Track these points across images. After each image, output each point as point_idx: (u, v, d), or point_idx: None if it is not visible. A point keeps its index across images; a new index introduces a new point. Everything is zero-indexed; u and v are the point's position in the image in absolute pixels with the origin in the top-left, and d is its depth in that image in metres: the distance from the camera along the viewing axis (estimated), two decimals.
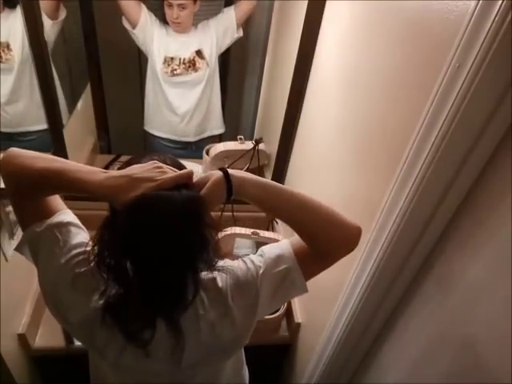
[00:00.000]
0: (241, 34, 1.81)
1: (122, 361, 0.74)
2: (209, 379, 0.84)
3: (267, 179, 0.73)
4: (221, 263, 0.77)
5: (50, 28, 1.40)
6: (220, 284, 0.74)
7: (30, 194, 0.70)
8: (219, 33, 1.80)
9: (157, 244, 0.62)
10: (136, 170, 0.65)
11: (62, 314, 0.73)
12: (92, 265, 0.68)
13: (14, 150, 0.69)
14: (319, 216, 0.71)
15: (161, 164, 0.66)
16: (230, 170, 0.68)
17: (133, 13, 1.67)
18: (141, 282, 0.65)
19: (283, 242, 0.79)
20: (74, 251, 0.72)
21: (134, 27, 1.71)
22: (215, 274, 0.74)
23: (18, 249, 0.75)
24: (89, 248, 0.72)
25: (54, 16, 1.44)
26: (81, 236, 0.75)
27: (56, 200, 0.75)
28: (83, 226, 0.76)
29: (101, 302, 0.70)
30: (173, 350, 0.74)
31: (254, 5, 1.72)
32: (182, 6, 1.66)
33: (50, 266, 0.71)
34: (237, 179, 0.67)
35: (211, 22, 1.80)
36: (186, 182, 0.65)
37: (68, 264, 0.71)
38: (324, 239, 0.72)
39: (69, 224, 0.74)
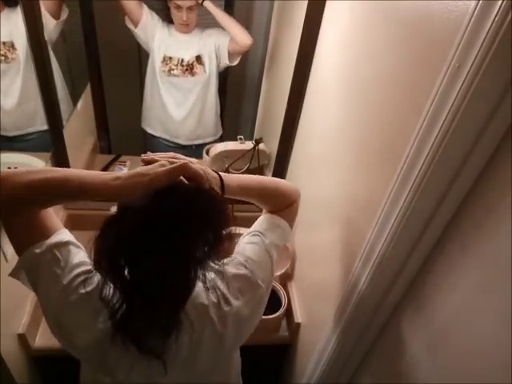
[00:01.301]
0: (233, 63, 1.81)
1: (134, 378, 0.72)
2: (220, 380, 0.85)
3: (242, 178, 0.84)
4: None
5: (52, 28, 1.39)
6: (243, 271, 0.77)
7: (29, 208, 0.67)
8: (217, 50, 1.81)
9: (153, 246, 0.60)
10: (141, 168, 0.66)
11: (67, 337, 0.71)
12: (93, 270, 0.67)
13: (7, 171, 0.65)
14: (274, 188, 0.88)
15: (166, 162, 0.66)
16: (224, 179, 0.76)
17: (134, 12, 1.70)
18: (142, 286, 0.63)
19: (260, 218, 0.89)
20: (76, 271, 0.69)
21: (135, 26, 1.72)
22: (227, 269, 0.76)
23: (12, 274, 0.72)
24: (91, 267, 0.70)
25: (57, 15, 1.44)
26: (80, 255, 0.72)
27: (52, 219, 0.72)
28: (81, 244, 0.74)
29: (108, 322, 0.67)
30: (186, 360, 0.73)
31: (246, 47, 1.72)
32: (190, 8, 1.69)
33: (53, 289, 0.68)
34: (227, 187, 0.76)
35: (213, 36, 1.80)
36: (182, 175, 0.65)
37: (71, 285, 0.68)
38: (281, 199, 0.88)
39: (68, 243, 0.71)
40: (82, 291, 0.68)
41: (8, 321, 1.15)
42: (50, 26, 1.37)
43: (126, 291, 0.64)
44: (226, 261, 0.77)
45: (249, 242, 0.82)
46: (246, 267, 0.77)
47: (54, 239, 0.70)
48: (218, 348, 0.75)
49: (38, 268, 0.69)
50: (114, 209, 0.64)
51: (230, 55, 1.79)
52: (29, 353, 1.27)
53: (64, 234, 0.72)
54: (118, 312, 0.64)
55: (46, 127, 1.46)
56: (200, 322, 0.72)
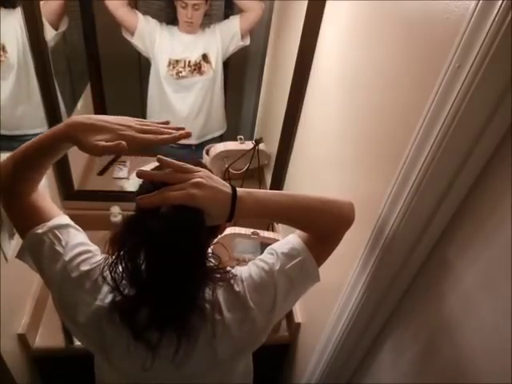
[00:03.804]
0: (247, 42, 1.82)
1: (126, 361, 0.74)
2: (219, 381, 0.84)
3: (265, 195, 0.71)
4: (232, 270, 0.78)
5: (50, 38, 1.38)
6: (237, 288, 0.74)
7: (20, 184, 0.71)
8: (224, 40, 1.81)
9: (157, 256, 0.64)
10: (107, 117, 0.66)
11: (70, 314, 0.73)
12: (102, 264, 0.69)
13: None
14: (317, 213, 0.75)
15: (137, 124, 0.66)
16: (239, 194, 0.66)
17: (129, 22, 1.69)
18: (152, 286, 0.66)
19: (290, 236, 0.80)
20: (77, 249, 0.73)
21: (132, 36, 1.73)
22: (230, 280, 0.75)
23: (19, 256, 0.76)
24: (91, 247, 0.75)
25: (56, 26, 1.44)
26: (80, 236, 0.77)
27: (52, 206, 0.77)
28: (80, 229, 0.79)
29: (107, 300, 0.70)
30: (179, 355, 0.73)
31: (259, 15, 1.73)
32: (196, 6, 1.69)
33: (55, 266, 0.72)
34: (240, 207, 0.66)
35: (217, 28, 1.81)
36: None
37: (73, 262, 0.72)
38: (326, 228, 0.77)
39: (68, 226, 0.76)
40: (84, 268, 0.71)
41: (8, 321, 1.15)
42: (49, 35, 1.35)
43: (138, 282, 0.67)
44: (236, 268, 0.78)
45: (262, 260, 0.78)
46: (242, 284, 0.74)
47: (54, 222, 0.74)
48: (209, 353, 0.74)
49: (41, 247, 0.72)
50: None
51: (243, 34, 1.79)
52: (29, 353, 1.27)
53: (63, 218, 0.77)
54: (120, 297, 0.68)
55: (34, 131, 1.46)
56: (197, 323, 0.72)
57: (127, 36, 1.72)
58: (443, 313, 0.75)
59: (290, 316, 1.44)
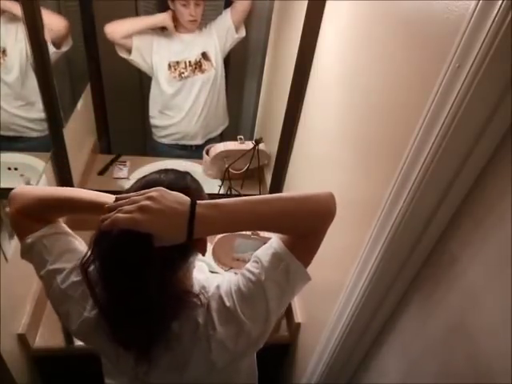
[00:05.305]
0: (242, 34, 1.83)
1: (120, 365, 0.75)
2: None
3: (232, 206, 0.66)
4: (220, 278, 0.77)
5: (51, 53, 1.37)
6: (228, 303, 0.72)
7: (41, 218, 0.76)
8: (220, 36, 1.83)
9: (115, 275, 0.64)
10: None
11: (63, 318, 0.75)
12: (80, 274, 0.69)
13: (20, 188, 0.78)
14: (294, 215, 0.70)
15: (151, 195, 0.62)
16: (199, 211, 0.62)
17: (125, 43, 1.74)
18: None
19: (272, 240, 0.77)
20: (63, 257, 0.75)
21: (129, 53, 1.76)
22: (221, 293, 0.74)
23: (22, 256, 0.78)
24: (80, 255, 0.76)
25: (59, 46, 1.44)
26: (72, 244, 0.77)
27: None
28: (74, 234, 0.80)
29: (94, 311, 0.71)
30: (174, 367, 0.73)
31: (248, 3, 1.75)
32: (197, 3, 1.71)
33: (43, 274, 0.74)
34: (202, 224, 0.62)
35: (212, 26, 1.82)
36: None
37: (60, 271, 0.73)
38: (307, 228, 0.72)
39: (56, 233, 0.77)
40: (75, 279, 0.72)
41: (8, 321, 1.15)
42: (50, 49, 1.33)
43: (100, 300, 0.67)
44: (224, 279, 0.77)
45: (248, 270, 0.75)
46: (232, 299, 0.72)
47: (44, 230, 0.76)
48: (207, 365, 0.73)
49: (31, 255, 0.76)
50: None
51: (237, 27, 1.80)
52: (29, 353, 1.27)
53: (55, 226, 0.78)
54: (104, 308, 0.68)
55: (32, 134, 1.48)
56: (190, 337, 0.71)
57: (123, 55, 1.76)
58: (444, 313, 0.75)
59: (290, 316, 1.44)
